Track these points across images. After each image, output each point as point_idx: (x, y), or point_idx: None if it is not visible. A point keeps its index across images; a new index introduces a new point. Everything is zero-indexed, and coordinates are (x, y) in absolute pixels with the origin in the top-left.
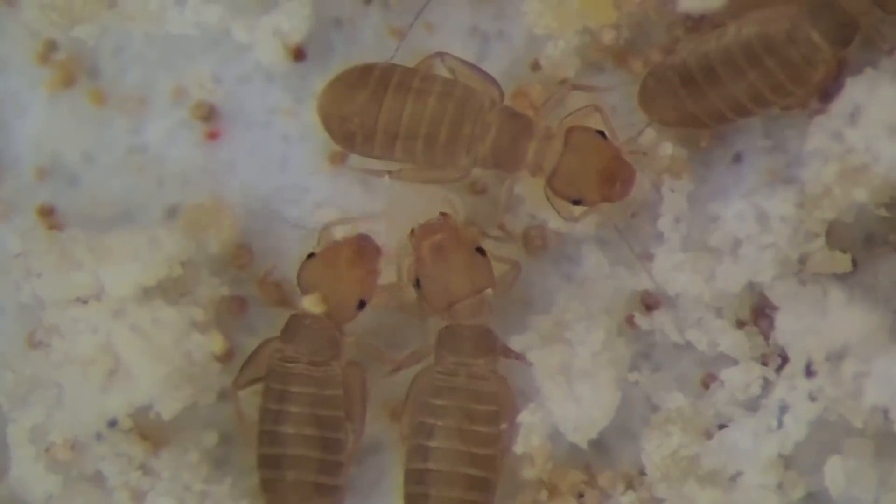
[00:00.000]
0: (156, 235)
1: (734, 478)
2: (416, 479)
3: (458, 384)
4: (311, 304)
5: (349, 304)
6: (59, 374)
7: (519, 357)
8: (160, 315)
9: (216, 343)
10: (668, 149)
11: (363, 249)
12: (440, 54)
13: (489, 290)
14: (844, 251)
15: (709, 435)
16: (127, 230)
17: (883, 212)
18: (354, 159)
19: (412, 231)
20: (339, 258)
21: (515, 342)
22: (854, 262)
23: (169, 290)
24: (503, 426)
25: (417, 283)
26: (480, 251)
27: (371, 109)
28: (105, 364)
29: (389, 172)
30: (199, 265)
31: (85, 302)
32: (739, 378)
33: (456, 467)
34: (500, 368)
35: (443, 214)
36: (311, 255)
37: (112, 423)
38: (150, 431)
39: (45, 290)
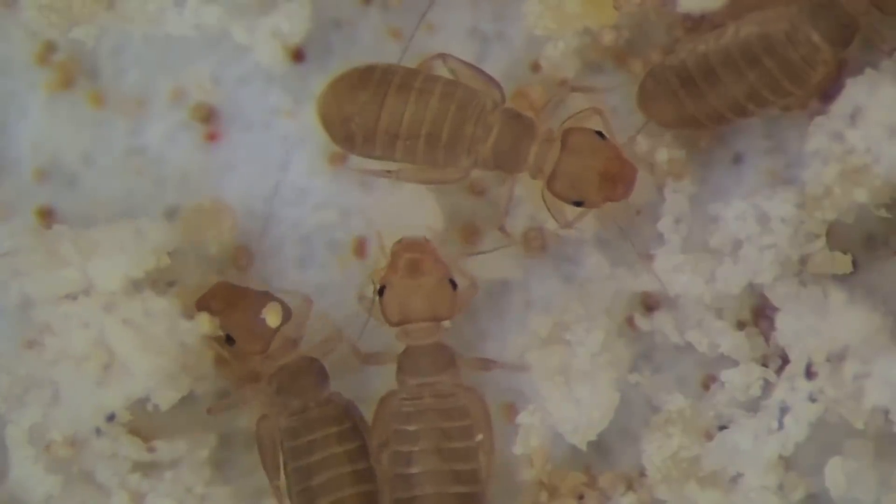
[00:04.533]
0: (141, 227)
1: (735, 479)
2: None
3: (426, 406)
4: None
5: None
6: (54, 372)
7: (505, 366)
8: (151, 306)
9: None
10: (663, 154)
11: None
12: (442, 55)
13: (446, 323)
14: (845, 252)
15: (709, 436)
16: (111, 224)
17: (883, 213)
18: (354, 161)
19: (398, 241)
20: None
21: (515, 343)
22: (854, 263)
23: (157, 280)
24: (479, 437)
25: (381, 291)
26: (452, 283)
27: (372, 110)
28: (99, 359)
29: (389, 172)
30: (184, 253)
31: (74, 298)
32: (740, 379)
33: (442, 488)
34: (484, 377)
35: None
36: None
37: (110, 418)
38: (150, 432)
39: (34, 288)
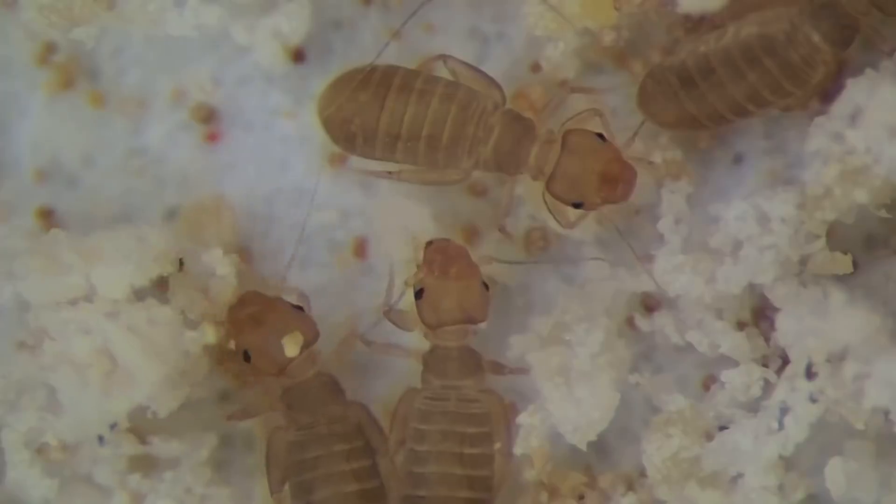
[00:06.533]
0: (144, 234)
1: (735, 479)
2: None
3: (448, 408)
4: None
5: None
6: (52, 377)
7: (514, 371)
8: (154, 314)
9: (209, 334)
10: (658, 157)
11: None
12: (443, 56)
13: (483, 325)
14: (845, 252)
15: (709, 436)
16: (114, 230)
17: (883, 213)
18: (354, 161)
19: (429, 242)
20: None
21: (515, 343)
22: (855, 264)
23: (158, 287)
24: (497, 445)
25: (418, 294)
26: (484, 285)
27: (372, 110)
28: (102, 366)
29: (390, 173)
30: (184, 253)
31: (73, 304)
32: (740, 379)
33: (454, 491)
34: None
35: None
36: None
37: (113, 426)
38: (150, 433)
39: (33, 292)
